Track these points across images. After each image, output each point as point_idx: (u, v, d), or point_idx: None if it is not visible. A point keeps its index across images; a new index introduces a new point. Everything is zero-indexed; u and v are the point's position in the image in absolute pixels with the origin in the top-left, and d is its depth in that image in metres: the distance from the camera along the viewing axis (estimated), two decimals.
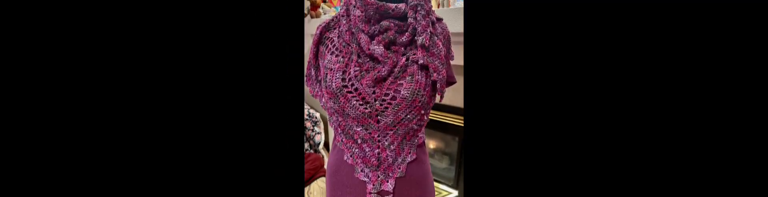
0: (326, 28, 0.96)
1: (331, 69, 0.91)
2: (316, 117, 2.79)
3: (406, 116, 0.90)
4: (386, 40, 0.87)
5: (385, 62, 0.87)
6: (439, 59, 0.89)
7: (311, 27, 2.47)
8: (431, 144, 2.32)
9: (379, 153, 0.94)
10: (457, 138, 2.10)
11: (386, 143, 0.93)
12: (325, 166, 2.40)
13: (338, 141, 1.00)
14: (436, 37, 0.89)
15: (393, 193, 0.96)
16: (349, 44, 0.91)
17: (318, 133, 2.77)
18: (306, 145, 2.73)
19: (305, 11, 2.55)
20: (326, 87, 0.91)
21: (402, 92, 0.88)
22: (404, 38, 0.87)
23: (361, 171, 0.96)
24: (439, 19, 0.96)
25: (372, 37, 0.88)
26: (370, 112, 0.90)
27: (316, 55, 0.98)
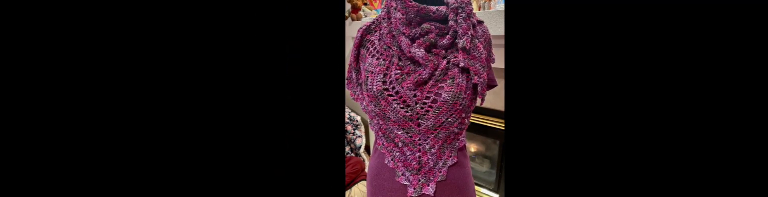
0: (367, 30, 0.96)
1: (372, 72, 0.91)
2: (357, 120, 2.80)
3: (446, 119, 0.90)
4: (427, 42, 0.86)
5: (426, 65, 0.87)
6: (479, 61, 0.88)
7: (352, 30, 2.49)
8: (472, 148, 2.30)
9: (420, 157, 0.94)
10: (498, 142, 2.08)
11: (427, 146, 0.93)
12: (366, 170, 2.41)
13: (379, 145, 1.00)
14: (476, 40, 0.88)
15: None
16: (390, 47, 0.91)
17: (359, 136, 2.78)
18: (347, 148, 2.74)
19: (346, 14, 2.57)
20: (367, 90, 0.91)
21: (443, 96, 0.87)
22: (445, 41, 0.87)
23: (402, 174, 0.96)
24: (480, 22, 0.95)
25: (413, 40, 0.88)
26: (411, 115, 0.90)
27: (357, 58, 0.98)
